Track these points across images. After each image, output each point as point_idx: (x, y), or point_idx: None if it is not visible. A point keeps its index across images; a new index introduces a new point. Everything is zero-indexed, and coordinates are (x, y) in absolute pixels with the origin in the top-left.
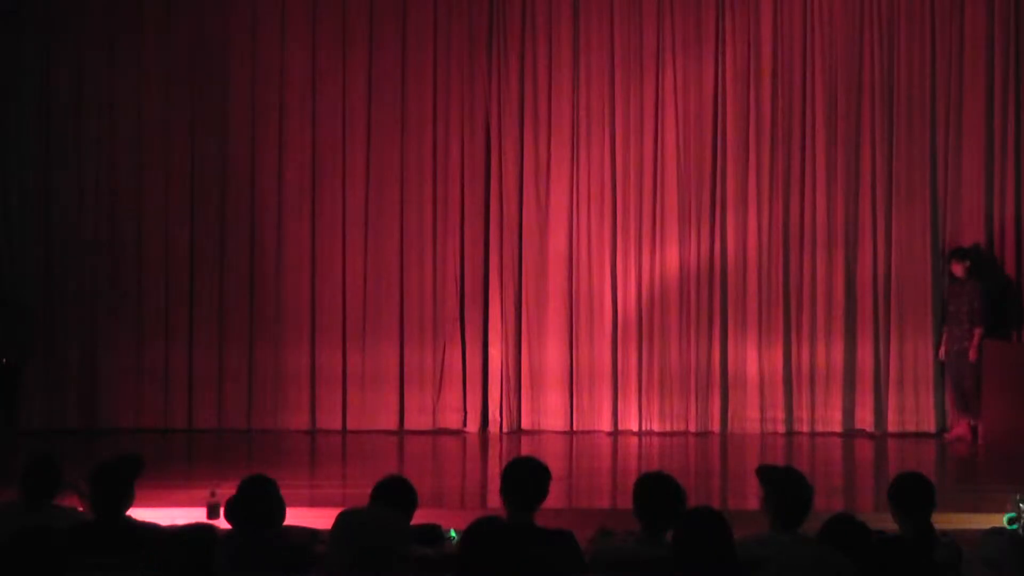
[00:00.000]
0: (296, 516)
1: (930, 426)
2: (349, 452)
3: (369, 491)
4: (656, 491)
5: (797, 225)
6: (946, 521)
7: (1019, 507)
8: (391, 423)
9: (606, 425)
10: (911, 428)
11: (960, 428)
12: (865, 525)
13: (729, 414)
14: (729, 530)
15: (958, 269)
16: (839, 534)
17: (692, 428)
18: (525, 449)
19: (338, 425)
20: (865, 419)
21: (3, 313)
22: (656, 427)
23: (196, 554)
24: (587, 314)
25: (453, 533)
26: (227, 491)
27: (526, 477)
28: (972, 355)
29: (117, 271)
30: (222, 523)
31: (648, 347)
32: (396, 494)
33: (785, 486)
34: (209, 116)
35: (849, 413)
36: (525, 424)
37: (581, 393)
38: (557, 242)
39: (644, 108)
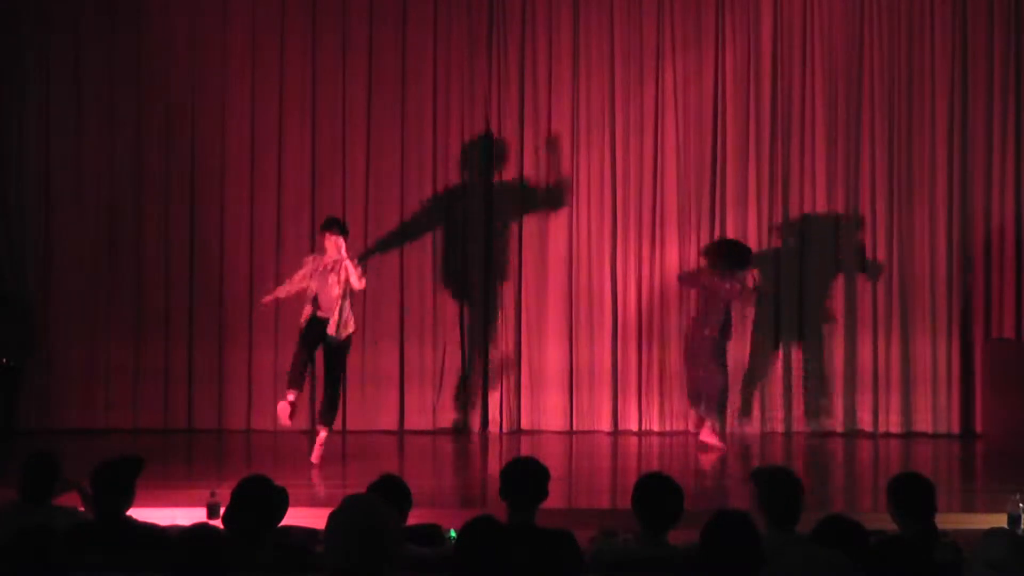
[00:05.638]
0: (296, 516)
1: (930, 426)
2: (349, 452)
3: (366, 491)
4: (656, 491)
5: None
6: (946, 521)
7: (1019, 507)
8: (391, 423)
9: (606, 425)
10: (911, 428)
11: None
12: (859, 523)
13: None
14: (758, 534)
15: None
16: (833, 534)
17: (692, 428)
18: (525, 449)
19: (338, 425)
20: (865, 419)
21: (3, 313)
22: (656, 427)
23: (204, 555)
24: (587, 314)
25: (453, 533)
26: (227, 491)
27: (526, 477)
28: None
29: (117, 271)
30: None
31: (648, 347)
32: (391, 493)
33: (775, 484)
34: (209, 116)
35: (849, 413)
36: (525, 424)
37: (581, 393)
38: (557, 242)
39: (644, 108)
